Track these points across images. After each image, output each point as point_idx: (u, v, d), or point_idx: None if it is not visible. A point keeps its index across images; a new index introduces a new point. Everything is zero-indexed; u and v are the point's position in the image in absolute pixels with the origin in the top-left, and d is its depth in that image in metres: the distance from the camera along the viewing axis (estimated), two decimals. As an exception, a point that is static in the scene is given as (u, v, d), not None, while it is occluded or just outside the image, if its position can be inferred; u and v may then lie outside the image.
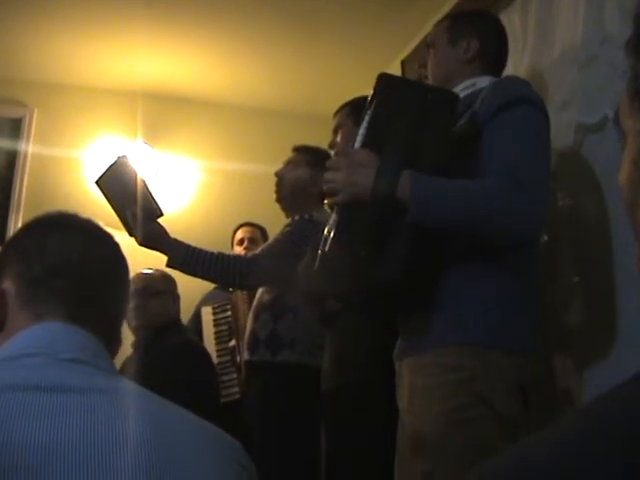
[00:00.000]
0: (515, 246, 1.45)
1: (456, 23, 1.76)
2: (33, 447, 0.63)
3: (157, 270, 2.65)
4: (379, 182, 1.37)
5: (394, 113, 1.46)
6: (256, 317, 2.34)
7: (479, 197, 1.37)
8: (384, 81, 1.51)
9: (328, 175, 1.47)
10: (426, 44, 1.84)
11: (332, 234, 1.43)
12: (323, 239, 1.47)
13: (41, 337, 0.78)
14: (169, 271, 2.69)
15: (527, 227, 1.42)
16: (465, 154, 1.47)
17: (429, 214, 1.36)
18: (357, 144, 1.49)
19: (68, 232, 0.90)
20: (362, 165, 1.41)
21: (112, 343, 0.88)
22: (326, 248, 1.44)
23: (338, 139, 2.11)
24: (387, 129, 1.46)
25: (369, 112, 1.48)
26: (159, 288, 2.62)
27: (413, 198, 1.34)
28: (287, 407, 2.18)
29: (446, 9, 3.03)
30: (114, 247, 0.93)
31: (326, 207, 1.59)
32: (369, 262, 1.39)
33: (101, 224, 0.95)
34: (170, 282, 2.68)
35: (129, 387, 0.78)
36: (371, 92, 1.51)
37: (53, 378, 0.71)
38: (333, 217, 1.48)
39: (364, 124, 1.49)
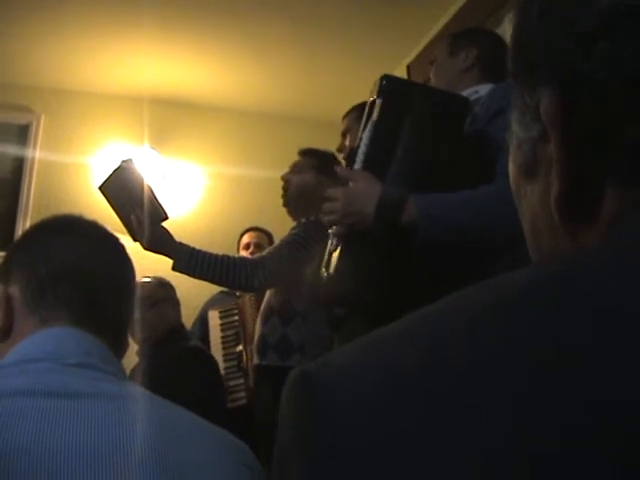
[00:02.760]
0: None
1: (455, 38, 1.80)
2: (39, 452, 0.63)
3: (154, 278, 2.64)
4: (381, 210, 1.32)
5: (400, 122, 1.37)
6: (265, 321, 2.34)
7: (482, 201, 1.35)
8: (387, 85, 1.42)
9: (327, 206, 1.42)
10: (429, 61, 1.86)
11: (336, 262, 1.38)
12: (326, 258, 1.44)
13: (47, 342, 0.77)
14: (171, 275, 2.70)
15: None
16: (476, 163, 1.45)
17: (437, 230, 1.31)
18: (358, 161, 1.43)
19: (73, 236, 0.89)
20: (360, 195, 1.35)
21: (119, 346, 0.88)
22: (330, 270, 1.40)
23: (347, 143, 2.11)
24: (392, 142, 1.36)
25: (371, 123, 1.41)
26: (157, 297, 2.60)
27: (420, 219, 1.29)
28: None
29: (451, 13, 3.04)
30: (119, 250, 0.93)
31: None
32: (377, 290, 1.35)
33: (107, 227, 0.95)
34: (168, 288, 2.66)
35: (136, 391, 0.78)
36: (373, 96, 1.44)
37: (60, 383, 0.71)
38: (334, 239, 1.44)
39: (366, 137, 1.41)
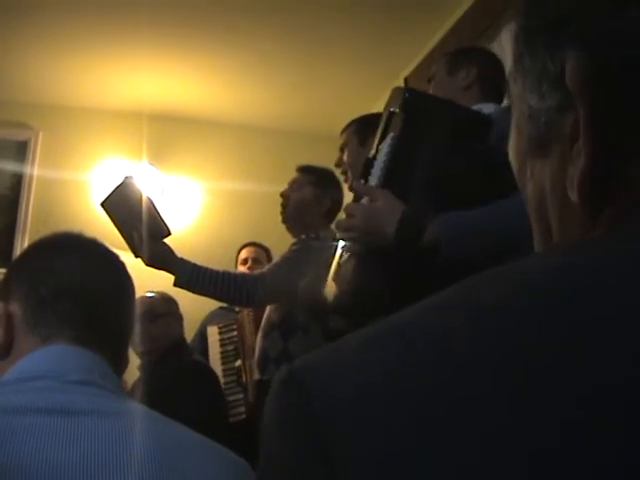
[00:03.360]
0: None
1: (454, 57, 1.80)
2: (39, 469, 0.63)
3: (157, 292, 2.65)
4: (403, 231, 1.28)
5: (421, 139, 1.33)
6: (265, 336, 2.34)
7: (503, 214, 1.31)
8: (410, 98, 1.37)
9: (344, 223, 1.37)
10: (427, 78, 1.86)
11: (350, 276, 1.35)
12: (335, 268, 1.40)
13: (47, 360, 0.77)
14: (172, 291, 2.69)
15: None
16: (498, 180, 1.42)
17: (460, 247, 1.27)
18: (375, 176, 1.38)
19: (73, 254, 0.89)
20: (381, 214, 1.31)
21: (119, 363, 0.87)
22: (343, 283, 1.36)
23: (344, 157, 2.11)
24: (413, 158, 1.33)
25: (391, 137, 1.36)
26: (161, 311, 2.61)
27: (442, 238, 1.25)
28: None
29: (448, 26, 3.05)
30: (119, 267, 0.93)
31: (334, 231, 1.54)
32: (392, 307, 1.34)
33: (106, 244, 0.95)
34: (171, 303, 2.68)
35: (135, 408, 0.78)
36: (392, 106, 1.39)
37: (60, 401, 0.71)
38: (346, 254, 1.40)
39: (385, 151, 1.36)
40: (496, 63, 1.81)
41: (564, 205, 0.37)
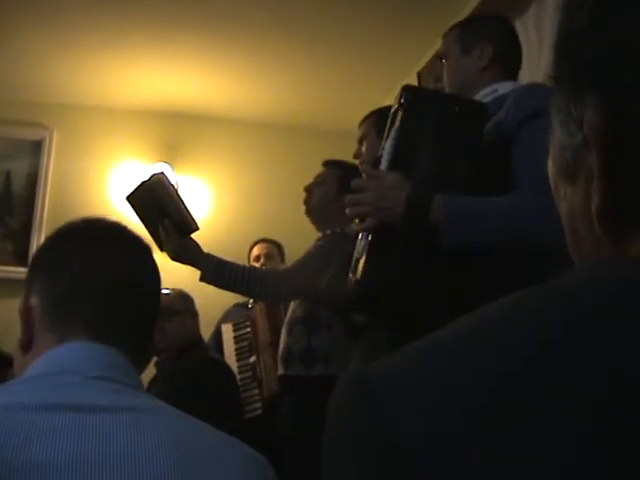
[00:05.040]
0: (554, 251, 1.40)
1: (465, 31, 1.72)
2: (58, 467, 0.63)
3: (173, 289, 2.66)
4: (410, 205, 1.33)
5: (421, 129, 1.41)
6: (290, 331, 2.34)
7: (511, 209, 1.34)
8: (408, 94, 1.46)
9: (355, 198, 1.42)
10: (438, 56, 1.81)
11: (363, 260, 1.39)
12: (353, 264, 1.43)
13: (66, 357, 0.77)
14: (187, 288, 2.71)
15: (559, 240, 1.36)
16: (496, 166, 1.44)
17: (462, 236, 1.32)
18: (384, 164, 1.45)
19: (94, 244, 0.86)
20: (391, 188, 1.37)
21: (141, 358, 0.86)
22: (357, 274, 1.40)
23: (363, 149, 2.11)
24: (414, 147, 1.41)
25: (395, 129, 1.44)
26: (177, 308, 2.62)
27: (446, 220, 1.31)
28: (322, 421, 2.16)
29: (460, 19, 3.03)
30: (144, 256, 0.89)
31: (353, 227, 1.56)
32: (405, 287, 1.36)
33: (129, 228, 0.91)
34: (187, 300, 2.69)
35: (156, 405, 0.77)
36: (395, 105, 1.47)
37: (80, 397, 0.71)
38: (361, 241, 1.44)
39: (390, 142, 1.44)
40: (509, 33, 1.73)
41: (592, 229, 0.40)
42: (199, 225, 2.13)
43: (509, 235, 1.34)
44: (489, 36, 1.67)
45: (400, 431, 0.31)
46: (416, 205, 1.34)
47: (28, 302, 0.83)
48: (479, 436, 0.29)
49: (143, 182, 2.10)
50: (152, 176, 2.11)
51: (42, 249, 0.90)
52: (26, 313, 0.82)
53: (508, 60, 1.68)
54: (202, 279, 2.13)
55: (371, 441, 0.32)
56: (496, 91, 1.58)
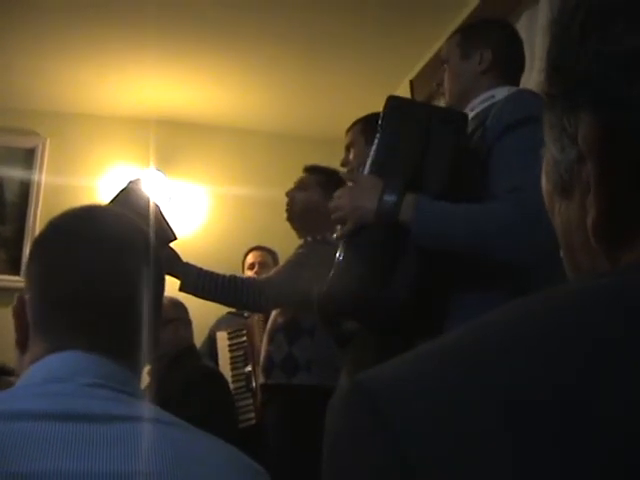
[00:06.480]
0: (522, 268, 1.41)
1: (466, 36, 1.72)
2: (51, 477, 0.62)
3: (166, 297, 2.64)
4: (382, 204, 1.41)
5: (399, 137, 1.50)
6: (270, 340, 2.33)
7: (481, 221, 1.37)
8: (390, 105, 1.55)
9: (334, 203, 1.52)
10: (440, 60, 1.80)
11: (339, 264, 1.47)
12: (335, 264, 1.49)
13: (62, 366, 0.75)
14: (181, 296, 2.69)
15: (531, 251, 1.36)
16: (477, 172, 1.45)
17: (430, 237, 1.39)
18: (366, 170, 1.53)
19: (92, 243, 0.82)
20: (366, 189, 1.45)
21: (135, 365, 0.84)
22: (334, 278, 1.47)
23: (350, 156, 2.09)
24: (393, 154, 1.50)
25: (377, 137, 1.52)
26: (170, 316, 2.60)
27: (414, 221, 1.37)
28: (304, 430, 2.15)
29: (453, 28, 3.05)
30: (147, 256, 0.84)
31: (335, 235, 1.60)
32: (375, 283, 1.41)
33: (133, 220, 0.87)
34: (180, 308, 2.67)
35: (153, 413, 0.76)
36: (380, 116, 1.54)
37: (76, 406, 0.70)
38: (342, 247, 1.51)
39: (372, 150, 1.53)
40: (510, 38, 1.72)
41: (588, 243, 0.40)
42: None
43: (477, 246, 1.38)
44: (489, 41, 1.67)
45: (416, 447, 0.30)
46: (387, 203, 1.41)
47: (23, 298, 0.80)
48: (501, 444, 0.29)
49: (121, 190, 2.06)
50: (128, 184, 2.07)
51: (38, 242, 0.85)
52: (20, 310, 0.80)
53: (508, 65, 1.67)
54: (181, 289, 2.11)
55: (385, 459, 0.31)
56: (493, 97, 1.59)
